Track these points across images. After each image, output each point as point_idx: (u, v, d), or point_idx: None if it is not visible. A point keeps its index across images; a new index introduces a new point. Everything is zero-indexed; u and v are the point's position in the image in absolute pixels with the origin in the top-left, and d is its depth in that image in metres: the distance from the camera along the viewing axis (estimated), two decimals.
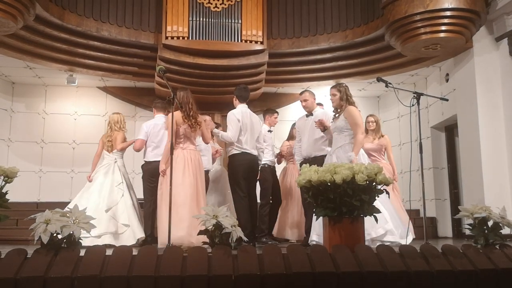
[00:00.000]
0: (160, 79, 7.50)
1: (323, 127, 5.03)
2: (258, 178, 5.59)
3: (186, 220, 4.47)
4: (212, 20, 7.71)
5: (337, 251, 2.86)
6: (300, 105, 5.66)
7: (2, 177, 3.50)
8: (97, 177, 5.82)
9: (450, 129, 8.41)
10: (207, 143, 5.31)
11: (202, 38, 7.64)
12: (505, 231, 3.31)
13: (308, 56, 8.10)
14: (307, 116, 5.52)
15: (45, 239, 2.63)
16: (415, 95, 4.45)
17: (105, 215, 5.49)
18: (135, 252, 2.73)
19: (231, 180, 5.36)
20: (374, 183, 3.23)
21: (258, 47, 7.81)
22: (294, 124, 6.31)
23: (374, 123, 6.37)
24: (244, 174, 5.25)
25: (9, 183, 3.53)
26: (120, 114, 6.20)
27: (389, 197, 4.00)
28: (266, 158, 6.01)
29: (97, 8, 7.35)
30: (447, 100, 4.91)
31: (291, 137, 6.63)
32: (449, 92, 7.83)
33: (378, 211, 3.30)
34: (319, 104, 6.31)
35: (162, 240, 4.49)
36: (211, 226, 2.93)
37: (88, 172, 6.08)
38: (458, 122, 7.56)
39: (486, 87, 7.05)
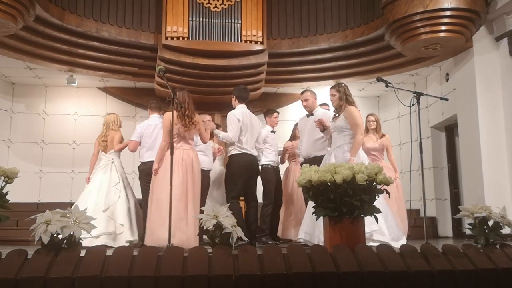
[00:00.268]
0: (160, 80, 7.50)
1: (323, 127, 5.03)
2: (259, 177, 5.58)
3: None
4: (212, 20, 7.71)
5: (337, 251, 2.86)
6: (301, 105, 5.66)
7: (2, 178, 3.51)
8: (95, 177, 5.83)
9: (450, 129, 8.42)
10: (205, 143, 5.29)
11: (202, 39, 7.64)
12: (506, 230, 3.31)
13: (308, 56, 8.10)
14: (308, 116, 5.51)
15: (46, 240, 2.63)
16: (415, 95, 4.45)
17: (103, 215, 5.50)
18: (135, 252, 2.73)
19: (228, 180, 5.36)
20: (374, 183, 3.23)
21: (258, 47, 7.81)
22: (296, 124, 6.30)
23: (375, 122, 6.35)
24: (243, 175, 5.25)
25: (9, 183, 3.54)
26: (116, 114, 6.19)
27: (389, 197, 3.99)
28: (269, 158, 6.00)
29: (97, 9, 7.35)
30: (447, 100, 4.92)
31: (293, 137, 6.61)
32: (449, 92, 7.83)
33: (379, 211, 3.30)
34: (324, 105, 6.31)
35: (148, 239, 4.50)
36: (212, 226, 2.93)
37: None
38: (458, 122, 7.57)
39: (486, 87, 7.05)
